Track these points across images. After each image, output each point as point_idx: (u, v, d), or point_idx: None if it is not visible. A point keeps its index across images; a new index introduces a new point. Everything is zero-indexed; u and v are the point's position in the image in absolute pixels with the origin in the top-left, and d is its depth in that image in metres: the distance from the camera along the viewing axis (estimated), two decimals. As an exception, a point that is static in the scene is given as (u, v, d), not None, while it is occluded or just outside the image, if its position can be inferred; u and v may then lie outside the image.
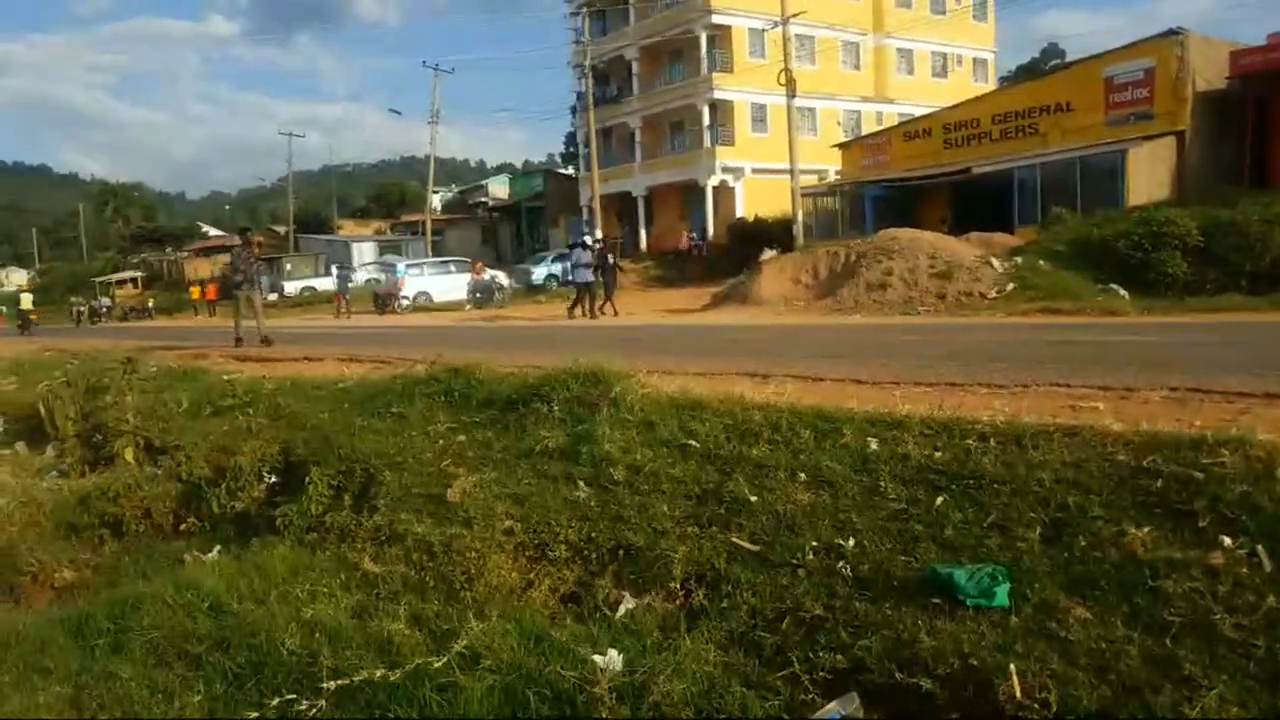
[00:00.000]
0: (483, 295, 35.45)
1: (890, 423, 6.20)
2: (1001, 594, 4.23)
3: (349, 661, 4.71)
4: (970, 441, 5.66)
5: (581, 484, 6.36)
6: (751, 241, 34.71)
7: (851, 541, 4.99)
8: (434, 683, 4.41)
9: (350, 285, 40.34)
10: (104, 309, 54.36)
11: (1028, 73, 69.30)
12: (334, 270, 43.96)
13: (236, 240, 20.49)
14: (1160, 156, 26.60)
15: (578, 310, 24.92)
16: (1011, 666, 3.78)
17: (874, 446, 5.91)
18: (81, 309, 51.92)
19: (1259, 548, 4.12)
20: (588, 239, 27.90)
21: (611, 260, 26.86)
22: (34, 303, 46.37)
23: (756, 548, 5.22)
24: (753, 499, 5.64)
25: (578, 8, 51.01)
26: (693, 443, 6.55)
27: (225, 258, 69.78)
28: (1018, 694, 3.68)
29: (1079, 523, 4.64)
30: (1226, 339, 11.57)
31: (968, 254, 21.82)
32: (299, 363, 14.11)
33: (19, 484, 9.96)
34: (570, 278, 26.67)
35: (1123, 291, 18.62)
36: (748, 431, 6.53)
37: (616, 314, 24.74)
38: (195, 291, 53.75)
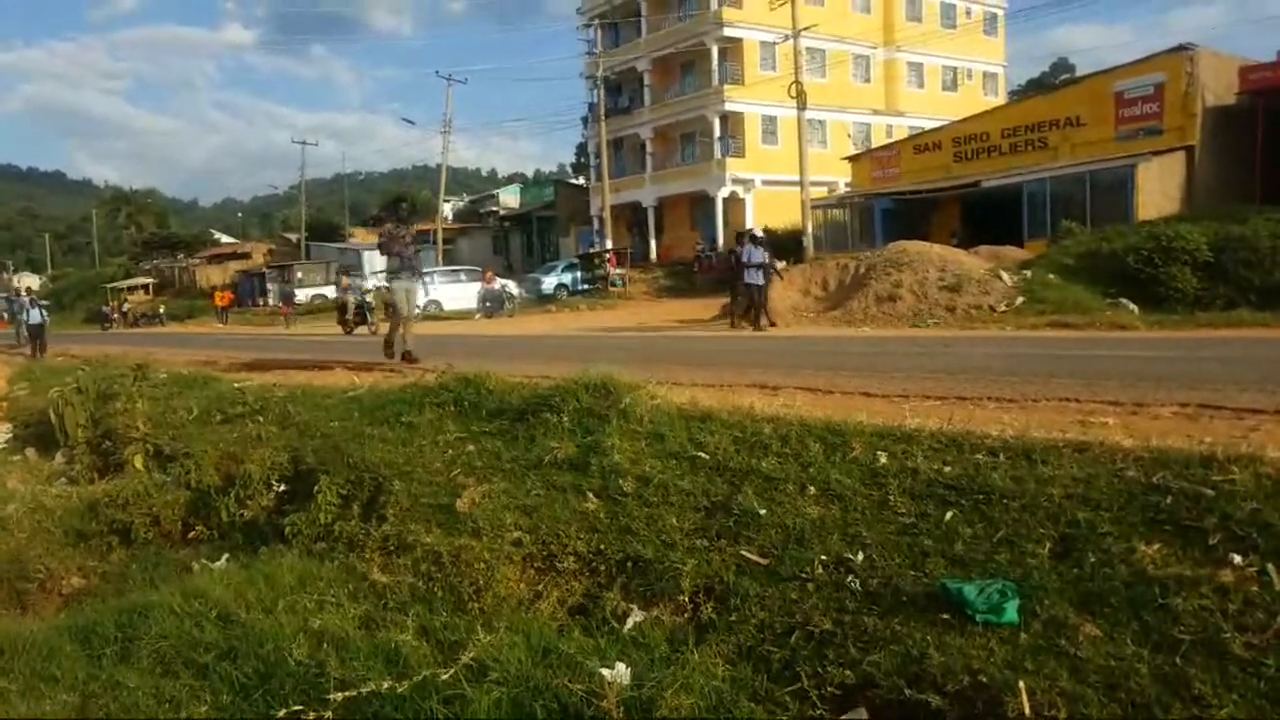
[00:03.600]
0: (493, 304, 35.53)
1: (900, 436, 6.19)
2: (1011, 610, 4.20)
3: (356, 672, 4.69)
4: (980, 456, 5.65)
5: (590, 495, 6.34)
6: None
7: (861, 555, 4.97)
8: (441, 694, 4.39)
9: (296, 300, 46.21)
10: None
11: (1038, 87, 69.32)
12: (280, 286, 47.13)
13: (358, 237, 16.61)
14: (1170, 171, 26.61)
15: (750, 318, 21.11)
16: (1021, 683, 3.75)
17: (883, 460, 5.89)
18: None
19: (1269, 566, 4.09)
20: (756, 231, 22.73)
21: (771, 260, 21.90)
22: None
23: (765, 561, 5.20)
24: (762, 512, 5.62)
25: (590, 20, 51.18)
26: (702, 455, 6.54)
27: (237, 264, 70.60)
28: (1027, 711, 3.65)
29: (1089, 539, 4.61)
30: (1236, 355, 11.52)
31: (977, 267, 21.81)
32: (309, 371, 14.13)
33: (28, 490, 9.99)
34: (744, 279, 21.17)
35: (1132, 306, 18.60)
36: (757, 444, 6.52)
37: (774, 324, 21.31)
38: (218, 298, 54.31)
